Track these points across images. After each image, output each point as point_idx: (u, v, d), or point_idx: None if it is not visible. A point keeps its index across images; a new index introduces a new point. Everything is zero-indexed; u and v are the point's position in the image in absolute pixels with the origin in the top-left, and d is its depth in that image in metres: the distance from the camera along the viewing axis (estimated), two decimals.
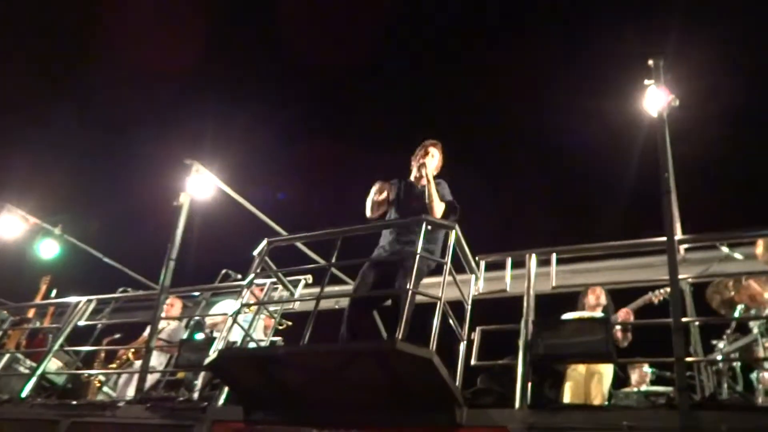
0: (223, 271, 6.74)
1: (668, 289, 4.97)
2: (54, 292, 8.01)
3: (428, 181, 4.42)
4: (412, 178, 4.67)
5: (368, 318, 4.53)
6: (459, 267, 4.22)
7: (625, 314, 5.18)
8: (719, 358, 4.29)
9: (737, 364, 4.59)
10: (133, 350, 6.36)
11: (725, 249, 4.69)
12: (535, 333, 3.80)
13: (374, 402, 3.77)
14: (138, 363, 5.97)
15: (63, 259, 7.97)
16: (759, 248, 4.20)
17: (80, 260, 8.11)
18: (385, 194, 4.64)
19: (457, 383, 3.72)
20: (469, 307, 4.14)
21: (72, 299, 6.24)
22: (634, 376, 5.63)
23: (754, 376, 4.60)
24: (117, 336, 6.78)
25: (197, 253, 6.80)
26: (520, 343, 3.83)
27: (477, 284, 4.32)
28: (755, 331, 4.20)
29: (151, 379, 5.62)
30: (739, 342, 4.24)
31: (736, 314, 4.42)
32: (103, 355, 6.52)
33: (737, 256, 4.66)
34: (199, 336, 6.22)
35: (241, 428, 4.22)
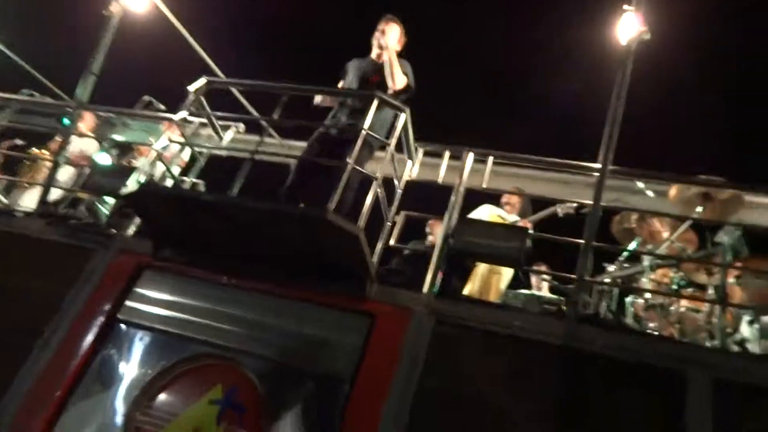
0: (145, 98, 6.33)
1: (574, 205, 5.32)
2: None
3: (389, 53, 4.36)
4: (374, 56, 4.62)
5: (312, 186, 4.46)
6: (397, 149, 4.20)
7: (522, 224, 5.47)
8: (608, 280, 4.69)
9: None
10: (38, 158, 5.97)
11: (640, 184, 4.98)
12: (457, 227, 3.95)
13: (289, 262, 3.83)
14: (41, 175, 5.65)
15: None
16: (673, 190, 4.50)
17: None
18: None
19: (374, 260, 3.84)
20: (400, 190, 4.19)
21: None
22: (534, 280, 6.07)
23: (628, 300, 5.13)
24: (18, 142, 6.31)
25: (118, 73, 6.26)
26: (440, 234, 3.97)
27: (412, 170, 4.35)
28: (645, 263, 4.60)
29: (53, 194, 5.35)
30: (629, 270, 4.64)
31: (633, 245, 4.80)
32: (1, 159, 6.09)
33: (649, 193, 4.97)
34: (104, 155, 5.90)
35: (147, 262, 4.17)
